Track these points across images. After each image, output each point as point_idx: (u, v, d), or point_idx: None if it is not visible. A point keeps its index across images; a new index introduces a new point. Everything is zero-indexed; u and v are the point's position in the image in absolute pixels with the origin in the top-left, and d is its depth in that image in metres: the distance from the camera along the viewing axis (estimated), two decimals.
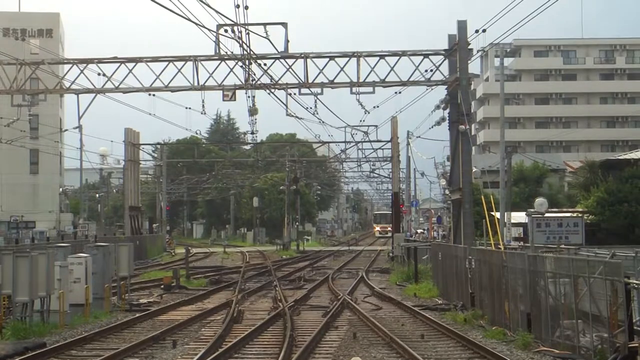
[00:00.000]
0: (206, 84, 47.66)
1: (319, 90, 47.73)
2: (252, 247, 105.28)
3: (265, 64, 45.75)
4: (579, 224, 29.89)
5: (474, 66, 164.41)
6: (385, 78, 46.91)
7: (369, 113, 54.37)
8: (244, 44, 37.49)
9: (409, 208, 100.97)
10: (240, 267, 60.83)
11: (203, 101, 50.25)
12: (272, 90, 46.49)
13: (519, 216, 57.31)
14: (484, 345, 24.33)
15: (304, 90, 47.47)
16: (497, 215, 48.07)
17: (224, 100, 49.33)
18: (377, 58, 46.83)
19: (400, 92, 49.26)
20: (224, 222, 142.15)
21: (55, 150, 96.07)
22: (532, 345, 24.23)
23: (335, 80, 47.07)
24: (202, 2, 25.95)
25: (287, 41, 45.85)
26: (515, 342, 25.15)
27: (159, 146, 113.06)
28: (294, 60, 46.91)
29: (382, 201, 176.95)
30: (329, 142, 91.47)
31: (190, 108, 57.10)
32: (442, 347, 25.50)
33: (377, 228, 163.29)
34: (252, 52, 41.25)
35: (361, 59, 46.69)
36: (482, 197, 42.59)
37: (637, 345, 19.93)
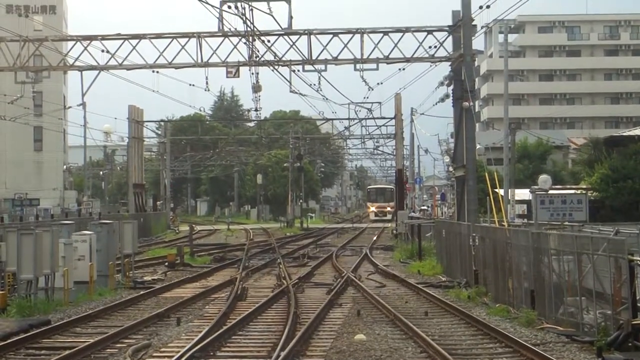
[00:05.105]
0: (210, 61, 47.67)
1: (322, 67, 47.76)
2: (256, 224, 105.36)
3: (268, 41, 45.71)
4: (583, 201, 29.86)
5: (477, 42, 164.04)
6: (389, 54, 46.91)
7: (372, 90, 54.52)
8: (247, 21, 37.44)
9: (413, 185, 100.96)
10: (244, 245, 60.86)
11: (207, 78, 50.35)
12: (276, 67, 46.48)
13: (523, 193, 57.28)
14: (487, 323, 24.37)
15: (307, 67, 47.49)
16: (501, 192, 48.08)
17: (227, 77, 49.51)
18: (381, 34, 46.79)
19: (404, 69, 49.23)
20: (227, 200, 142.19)
21: (59, 127, 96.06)
22: (536, 323, 24.26)
23: (339, 57, 47.06)
24: None
25: (290, 17, 45.89)
26: (518, 319, 25.18)
27: (162, 123, 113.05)
28: (298, 36, 46.88)
29: (387, 178, 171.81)
30: (332, 119, 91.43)
31: (193, 85, 57.15)
32: (445, 324, 25.54)
33: (373, 208, 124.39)
34: (255, 29, 41.18)
35: (365, 35, 46.66)
36: (486, 174, 42.62)
37: None
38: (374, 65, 47.52)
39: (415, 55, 46.83)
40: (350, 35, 46.78)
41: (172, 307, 28.46)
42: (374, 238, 72.41)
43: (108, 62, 48.45)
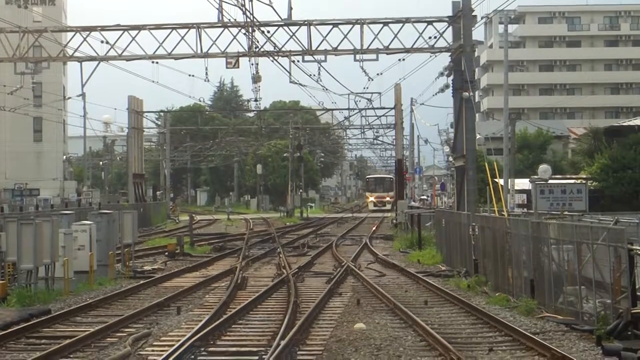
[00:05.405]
0: (209, 52, 47.64)
1: (322, 57, 47.72)
2: (256, 214, 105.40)
3: (268, 31, 45.66)
4: (583, 191, 29.92)
5: (477, 33, 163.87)
6: (389, 45, 46.88)
7: (372, 80, 54.49)
8: (247, 11, 37.33)
9: (413, 175, 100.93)
10: (244, 234, 60.92)
11: (206, 69, 50.41)
12: (276, 57, 46.42)
13: (523, 183, 57.29)
14: (487, 312, 24.41)
15: (307, 58, 47.47)
16: (501, 182, 48.10)
17: (227, 67, 49.49)
18: (381, 25, 46.75)
19: (403, 59, 49.19)
20: (227, 190, 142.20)
21: (58, 118, 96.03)
22: (535, 312, 24.29)
23: (339, 48, 47.03)
24: None
25: (290, 8, 45.85)
26: (518, 308, 25.22)
27: (162, 114, 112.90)
28: (298, 27, 46.84)
29: (386, 168, 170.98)
30: (332, 109, 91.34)
31: (193, 75, 57.15)
32: (445, 313, 25.59)
33: (372, 198, 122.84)
34: (255, 20, 41.12)
35: (365, 26, 46.61)
36: (486, 164, 42.65)
37: None
38: (373, 56, 47.51)
39: (415, 46, 46.80)
40: (350, 25, 46.75)
41: (172, 296, 28.51)
42: (374, 228, 72.42)
43: (107, 52, 48.46)
